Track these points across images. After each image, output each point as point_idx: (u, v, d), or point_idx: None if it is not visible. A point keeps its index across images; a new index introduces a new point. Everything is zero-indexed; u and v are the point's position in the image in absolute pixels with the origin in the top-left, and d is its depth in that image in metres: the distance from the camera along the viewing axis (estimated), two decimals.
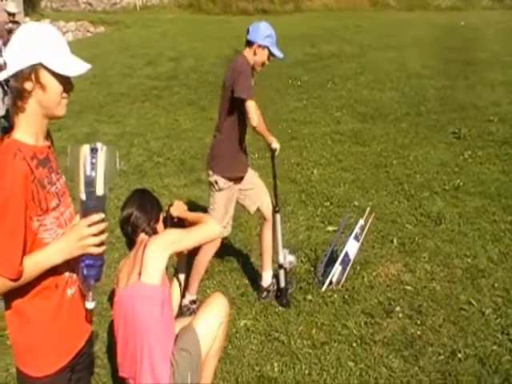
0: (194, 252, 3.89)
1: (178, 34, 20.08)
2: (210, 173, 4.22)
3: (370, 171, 7.12)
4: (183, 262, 3.40)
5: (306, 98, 10.65)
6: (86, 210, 1.93)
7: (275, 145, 4.29)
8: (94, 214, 1.92)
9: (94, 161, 1.88)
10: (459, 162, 7.37)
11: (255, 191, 4.43)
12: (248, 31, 4.15)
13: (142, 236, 3.07)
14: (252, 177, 4.44)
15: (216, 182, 4.17)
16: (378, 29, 21.53)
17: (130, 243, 3.13)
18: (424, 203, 6.16)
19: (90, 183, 1.90)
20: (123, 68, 14.50)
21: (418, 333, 4.04)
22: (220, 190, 4.18)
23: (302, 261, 5.02)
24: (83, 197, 1.91)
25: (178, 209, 3.32)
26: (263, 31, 4.10)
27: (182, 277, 3.41)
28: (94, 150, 1.88)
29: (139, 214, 3.08)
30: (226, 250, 5.16)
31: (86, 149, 1.90)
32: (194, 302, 4.40)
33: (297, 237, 5.49)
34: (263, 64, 4.21)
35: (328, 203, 6.22)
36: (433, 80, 12.06)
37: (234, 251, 5.30)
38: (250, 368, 3.78)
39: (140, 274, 2.83)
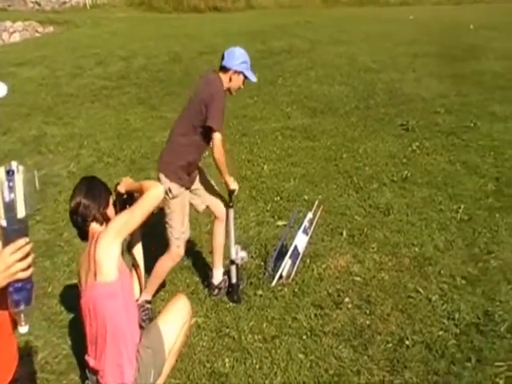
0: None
1: (129, 33, 19.83)
2: (163, 179, 4.15)
3: (319, 165, 7.19)
4: (137, 236, 3.37)
5: (257, 95, 10.66)
6: (8, 236, 1.83)
7: (234, 186, 4.32)
8: (18, 238, 1.82)
9: (11, 184, 1.80)
10: (407, 153, 7.50)
11: (204, 190, 4.43)
12: (223, 56, 4.18)
13: (93, 225, 3.05)
14: (201, 176, 4.43)
15: (170, 190, 4.12)
16: (328, 24, 21.72)
17: (83, 234, 3.10)
18: (373, 195, 6.25)
19: (10, 207, 1.79)
20: (73, 68, 14.22)
21: (367, 322, 4.10)
22: (174, 197, 4.16)
23: (252, 256, 5.04)
24: (4, 223, 1.81)
25: (125, 184, 3.32)
26: (239, 58, 4.15)
27: (139, 255, 3.38)
28: (10, 173, 1.79)
29: (87, 201, 3.05)
30: None
31: (0, 173, 1.80)
32: (149, 302, 4.38)
33: (247, 232, 5.51)
34: (239, 88, 4.27)
35: (278, 198, 6.25)
36: (381, 74, 12.24)
37: (186, 249, 5.27)
38: (201, 365, 3.79)
39: (95, 273, 2.83)
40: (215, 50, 15.78)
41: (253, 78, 4.25)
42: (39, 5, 24.91)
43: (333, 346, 3.86)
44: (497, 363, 3.62)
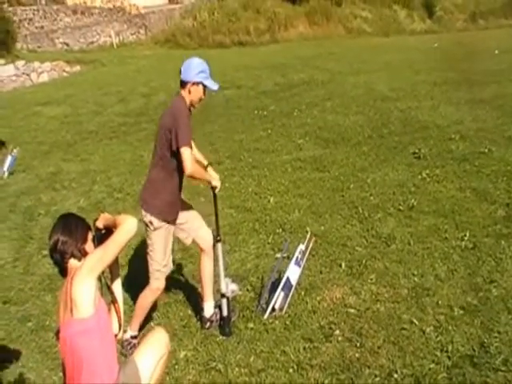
0: None
1: (153, 70, 20.28)
2: (144, 213, 4.16)
3: (326, 196, 7.14)
4: (115, 269, 3.38)
5: (271, 128, 10.72)
6: None
7: (215, 183, 4.32)
8: None
9: None
10: (416, 181, 7.41)
11: (190, 224, 4.41)
12: (180, 71, 4.14)
13: (72, 262, 3.06)
14: (186, 210, 4.42)
15: (151, 223, 4.12)
16: (350, 55, 21.84)
17: (62, 271, 3.12)
18: (376, 225, 6.17)
19: None
20: (95, 106, 14.57)
21: (357, 355, 4.01)
22: (156, 229, 4.14)
23: (247, 289, 5.01)
24: None
25: (103, 219, 3.33)
26: (195, 68, 4.10)
27: (117, 290, 3.38)
28: None
29: (65, 238, 3.06)
30: (173, 281, 5.17)
31: None
32: (135, 337, 4.37)
33: (245, 265, 5.48)
34: (200, 99, 4.19)
35: (280, 230, 6.22)
36: (398, 102, 12.18)
37: (182, 282, 5.28)
38: None
39: (71, 310, 2.84)
40: (235, 84, 16.04)
41: (213, 86, 4.15)
42: (67, 45, 25.67)
43: (319, 380, 3.78)
44: None
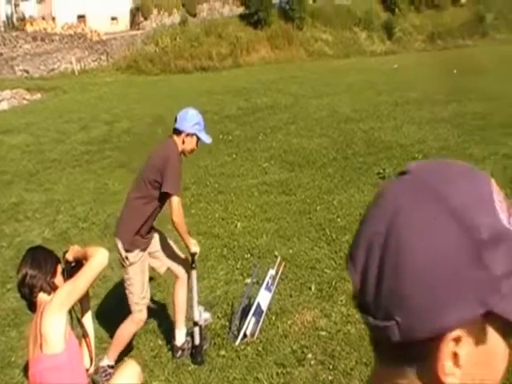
0: None
1: (115, 97, 20.19)
2: (120, 246, 4.13)
3: (293, 219, 7.16)
4: (86, 302, 3.32)
5: (236, 152, 10.75)
6: None
7: (194, 249, 4.33)
8: None
9: None
10: None
11: (163, 252, 4.41)
12: (176, 119, 4.22)
13: (41, 296, 3.00)
14: (159, 239, 4.42)
15: (127, 258, 4.12)
16: (312, 78, 22.15)
17: (31, 306, 3.05)
18: (344, 246, 6.19)
19: None
20: (56, 134, 14.39)
21: (330, 378, 4.00)
22: (131, 264, 4.14)
23: (218, 316, 4.96)
24: None
25: (73, 252, 3.28)
26: (190, 120, 4.20)
27: (88, 323, 3.32)
28: None
29: (33, 272, 3.00)
30: None
31: None
32: (111, 366, 4.29)
33: (214, 292, 5.44)
34: (192, 151, 4.28)
35: (249, 255, 6.20)
36: (361, 123, 12.36)
37: (151, 312, 5.19)
38: None
39: (41, 345, 2.78)
40: (199, 109, 16.02)
41: (206, 140, 4.29)
42: (27, 72, 25.41)
43: None
44: None
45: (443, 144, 10.07)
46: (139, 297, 4.19)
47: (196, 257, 4.42)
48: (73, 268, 3.26)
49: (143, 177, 4.21)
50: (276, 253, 6.14)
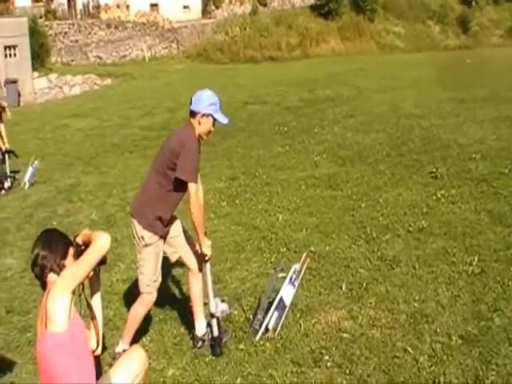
0: None
1: (182, 84, 20.46)
2: (136, 225, 4.16)
3: (335, 215, 7.04)
4: (96, 284, 3.38)
5: (290, 144, 10.69)
6: None
7: (206, 251, 4.23)
8: None
9: None
10: (430, 202, 7.25)
11: (179, 240, 4.39)
12: (191, 101, 4.16)
13: (51, 276, 3.08)
14: (178, 226, 4.41)
15: (142, 237, 4.13)
16: (380, 71, 21.74)
17: (43, 285, 3.14)
18: (383, 246, 6.04)
19: None
20: (120, 119, 14.77)
21: (344, 382, 3.91)
22: (146, 245, 4.16)
23: (243, 309, 4.93)
24: None
25: (82, 236, 3.34)
26: (205, 100, 4.12)
27: (97, 306, 3.38)
28: None
29: (44, 253, 3.09)
30: (170, 297, 5.17)
31: None
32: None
33: (244, 284, 5.42)
34: (209, 132, 4.23)
35: (285, 249, 6.14)
36: (422, 119, 12.02)
37: (179, 299, 5.25)
38: None
39: (46, 323, 2.86)
40: (261, 100, 16.08)
41: (223, 120, 4.18)
42: (100, 58, 26.13)
43: None
44: None
45: (504, 145, 9.64)
46: (150, 279, 4.19)
47: (206, 259, 4.30)
48: (82, 251, 3.32)
49: (159, 162, 4.18)
50: (312, 248, 6.06)
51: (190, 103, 4.16)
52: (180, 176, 3.99)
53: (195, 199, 4.04)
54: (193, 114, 4.14)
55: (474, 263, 5.50)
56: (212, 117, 4.14)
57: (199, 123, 4.13)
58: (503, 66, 21.20)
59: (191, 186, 4.01)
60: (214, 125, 4.21)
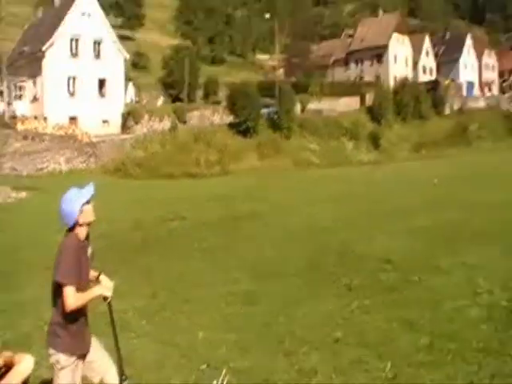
0: None
1: (98, 200, 20.34)
2: (51, 351, 4.07)
3: (254, 331, 7.12)
4: None
5: (209, 260, 10.84)
6: None
7: (106, 292, 4.18)
8: None
9: None
10: (345, 313, 7.49)
11: (99, 363, 4.34)
12: (61, 218, 4.06)
13: None
14: (96, 349, 4.36)
15: (58, 361, 4.06)
16: (296, 187, 22.69)
17: None
18: (301, 359, 6.15)
19: None
20: (33, 235, 14.50)
21: None
22: (62, 368, 4.07)
23: None
24: None
25: (3, 357, 3.31)
26: (73, 209, 4.05)
27: None
28: None
29: None
30: None
31: None
32: None
33: None
34: (92, 215, 4.17)
35: (205, 366, 6.12)
36: (338, 233, 12.58)
37: None
38: None
39: None
40: (178, 215, 16.29)
41: (90, 193, 4.16)
42: (16, 170, 25.88)
43: None
44: None
45: (413, 255, 10.20)
46: None
47: (109, 300, 4.20)
48: (3, 374, 3.28)
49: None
50: (232, 364, 6.08)
51: (62, 219, 4.06)
52: (57, 278, 3.88)
53: (69, 304, 3.84)
54: (71, 228, 4.09)
55: (387, 369, 5.71)
56: (87, 203, 4.11)
57: (80, 225, 4.07)
58: (410, 181, 22.64)
59: (66, 290, 3.85)
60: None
